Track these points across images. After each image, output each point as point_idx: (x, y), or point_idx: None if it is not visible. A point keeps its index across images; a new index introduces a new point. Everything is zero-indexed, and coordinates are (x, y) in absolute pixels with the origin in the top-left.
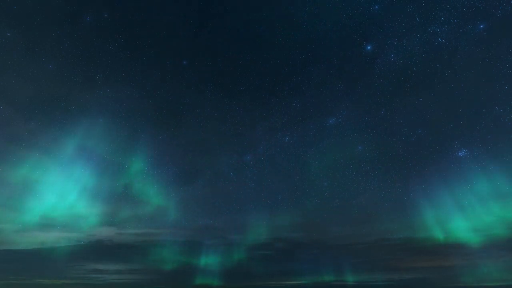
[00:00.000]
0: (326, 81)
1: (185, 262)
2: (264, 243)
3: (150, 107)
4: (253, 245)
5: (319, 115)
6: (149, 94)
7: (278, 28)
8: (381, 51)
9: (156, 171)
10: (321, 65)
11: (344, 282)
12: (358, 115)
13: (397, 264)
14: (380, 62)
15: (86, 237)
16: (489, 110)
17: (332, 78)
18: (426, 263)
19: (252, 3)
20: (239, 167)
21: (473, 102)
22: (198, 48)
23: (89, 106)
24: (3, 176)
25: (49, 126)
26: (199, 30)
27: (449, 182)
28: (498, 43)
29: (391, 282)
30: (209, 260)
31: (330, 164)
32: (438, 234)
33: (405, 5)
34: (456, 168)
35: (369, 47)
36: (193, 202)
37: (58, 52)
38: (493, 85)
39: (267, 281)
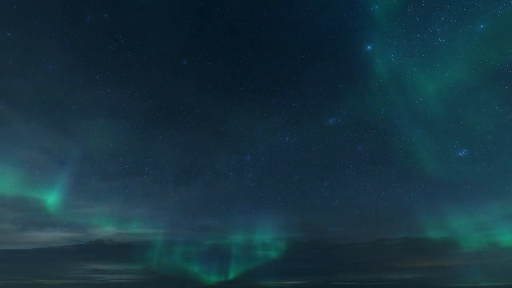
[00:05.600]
0: (326, 81)
1: (185, 262)
2: (264, 243)
3: (150, 107)
4: (253, 245)
5: (319, 115)
6: (149, 94)
7: (278, 28)
8: (381, 51)
9: (156, 171)
10: (321, 65)
11: (343, 282)
12: (358, 115)
13: (397, 264)
14: (380, 62)
15: (86, 237)
16: (489, 110)
17: (332, 78)
18: (426, 263)
19: (252, 3)
20: (239, 167)
21: (473, 102)
22: (198, 48)
23: (89, 106)
24: (3, 176)
25: (49, 126)
26: (199, 30)
27: (449, 182)
28: (498, 43)
29: (391, 282)
30: (208, 260)
31: (330, 164)
32: (438, 234)
33: (405, 5)
34: (455, 168)
35: (369, 47)
36: (193, 202)
37: (58, 52)
38: (493, 85)
39: (267, 281)
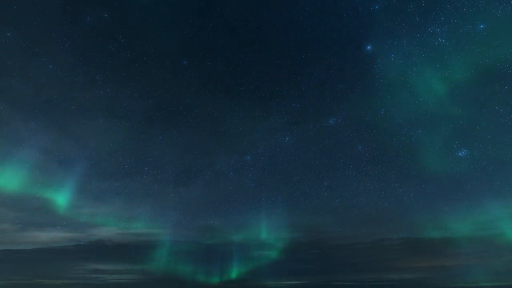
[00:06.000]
0: (326, 81)
1: (185, 262)
2: (264, 243)
3: (150, 107)
4: (253, 245)
5: (319, 115)
6: (149, 94)
7: (278, 28)
8: (381, 51)
9: (156, 171)
10: (321, 65)
11: (343, 282)
12: (358, 115)
13: (397, 264)
14: (380, 62)
15: (86, 237)
16: (489, 110)
17: (332, 78)
18: (426, 263)
19: (252, 3)
20: (239, 167)
21: (473, 102)
22: (198, 48)
23: (89, 106)
24: (3, 176)
25: (49, 126)
26: (199, 30)
27: (449, 182)
28: (498, 43)
29: (391, 282)
30: (209, 260)
31: (330, 164)
32: (438, 234)
33: (405, 5)
34: (455, 168)
35: (369, 47)
36: (193, 202)
37: (58, 52)
38: (493, 85)
39: (267, 281)
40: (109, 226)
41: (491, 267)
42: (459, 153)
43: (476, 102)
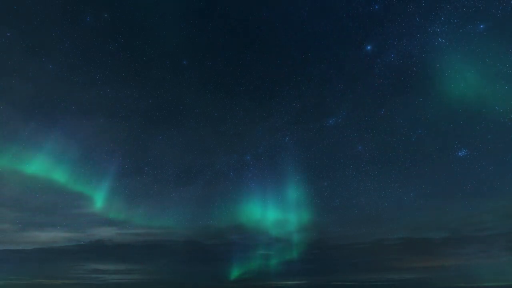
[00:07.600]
0: (326, 81)
1: (185, 262)
2: (264, 243)
3: (150, 107)
4: (253, 245)
5: (319, 115)
6: (149, 94)
7: (278, 28)
8: (381, 51)
9: (156, 171)
10: (321, 65)
11: (343, 282)
12: (358, 115)
13: (397, 264)
14: (380, 62)
15: (86, 237)
16: (489, 110)
17: (332, 78)
18: (426, 263)
19: (252, 3)
20: (239, 167)
21: (473, 102)
22: (198, 48)
23: (89, 106)
24: (3, 176)
25: (49, 126)
26: (199, 30)
27: (449, 182)
28: (498, 43)
29: (391, 282)
30: (208, 260)
31: (330, 164)
32: (438, 234)
33: (405, 5)
34: (455, 168)
35: (369, 47)
36: (193, 202)
37: (58, 52)
38: (493, 85)
39: (268, 281)
40: (109, 226)
41: (491, 267)
42: (459, 153)
43: (476, 102)
